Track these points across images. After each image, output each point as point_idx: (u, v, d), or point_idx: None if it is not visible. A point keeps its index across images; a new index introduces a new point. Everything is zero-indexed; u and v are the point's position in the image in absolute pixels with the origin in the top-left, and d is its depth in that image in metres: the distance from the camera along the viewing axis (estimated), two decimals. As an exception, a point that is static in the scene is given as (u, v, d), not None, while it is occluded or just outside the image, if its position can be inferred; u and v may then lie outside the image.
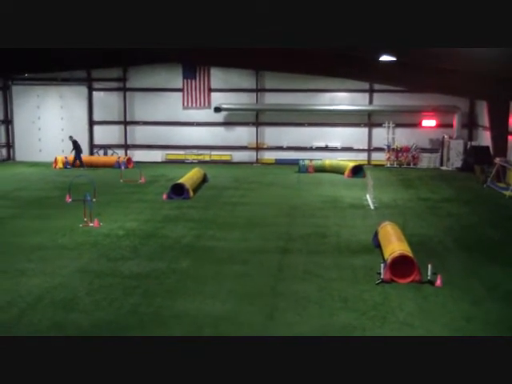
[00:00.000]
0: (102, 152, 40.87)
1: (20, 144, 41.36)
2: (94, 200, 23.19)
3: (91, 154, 40.85)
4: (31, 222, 21.97)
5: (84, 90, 40.55)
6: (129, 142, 40.70)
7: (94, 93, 40.73)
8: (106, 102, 40.71)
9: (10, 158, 41.43)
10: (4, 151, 41.43)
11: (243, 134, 40.08)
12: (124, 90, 40.27)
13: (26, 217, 22.89)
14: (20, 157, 41.25)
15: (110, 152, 40.64)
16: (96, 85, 40.60)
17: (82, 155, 37.18)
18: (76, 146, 36.68)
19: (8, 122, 41.27)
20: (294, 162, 36.55)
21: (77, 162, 36.59)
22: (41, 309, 13.23)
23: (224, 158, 40.07)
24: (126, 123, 40.51)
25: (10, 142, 41.56)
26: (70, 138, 37.26)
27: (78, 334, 11.78)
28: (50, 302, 13.61)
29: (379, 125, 38.99)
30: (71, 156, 37.04)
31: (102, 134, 40.86)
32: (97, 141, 41.05)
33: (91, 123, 40.91)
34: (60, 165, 36.91)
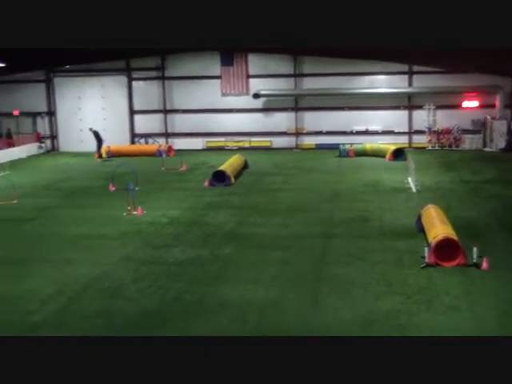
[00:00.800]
0: (143, 141, 41.22)
1: (63, 135, 42.00)
2: (136, 189, 23.39)
3: (132, 143, 41.25)
4: (76, 211, 22.32)
5: (124, 79, 40.91)
6: (169, 131, 40.95)
7: (134, 82, 41.06)
8: (146, 91, 41.00)
9: (54, 149, 42.08)
10: (48, 142, 42.08)
11: (282, 120, 40.00)
12: (163, 78, 40.49)
13: (70, 206, 23.26)
14: (63, 147, 41.91)
15: (150, 141, 40.96)
16: (135, 74, 40.90)
17: (126, 145, 37.52)
18: (97, 137, 36.94)
19: (51, 113, 41.89)
20: (335, 147, 36.36)
21: (100, 153, 36.82)
22: (88, 297, 13.46)
23: (264, 144, 40.05)
24: (165, 112, 40.76)
25: (54, 133, 42.20)
26: (90, 129, 37.46)
27: (125, 321, 11.98)
28: (97, 290, 13.83)
29: (419, 107, 38.54)
30: (101, 148, 37.26)
31: (143, 123, 41.21)
32: (138, 130, 41.40)
33: (132, 112, 41.26)
34: (103, 154, 37.30)
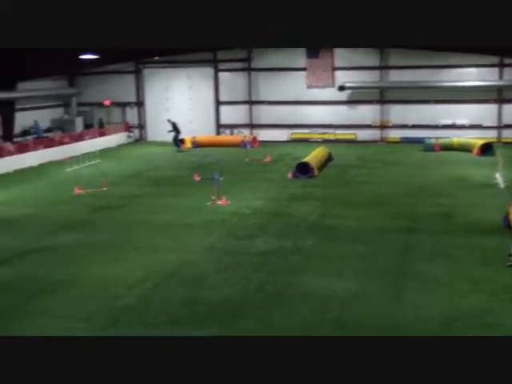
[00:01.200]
0: (228, 131, 41.68)
1: (151, 125, 42.94)
2: (221, 179, 23.71)
3: (218, 133, 41.78)
4: (162, 199, 22.88)
5: (210, 70, 41.43)
6: (254, 122, 41.26)
7: (220, 73, 41.51)
8: (232, 83, 41.40)
9: (141, 139, 43.11)
10: (137, 132, 43.15)
11: (367, 113, 39.63)
12: (249, 70, 40.79)
13: (157, 195, 23.86)
14: (151, 137, 42.82)
15: (235, 131, 41.37)
16: (221, 66, 41.35)
17: (205, 135, 37.91)
18: (175, 128, 37.43)
19: (140, 103, 42.92)
20: (420, 141, 35.80)
21: (178, 144, 37.24)
22: (173, 284, 13.83)
23: (348, 136, 39.79)
24: (251, 103, 41.07)
25: (142, 123, 43.23)
26: (169, 120, 38.00)
27: (208, 309, 12.26)
28: (181, 278, 14.19)
29: (510, 100, 37.42)
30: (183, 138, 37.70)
31: (229, 114, 41.64)
32: (223, 120, 41.89)
33: (218, 103, 41.78)
34: (188, 145, 37.95)
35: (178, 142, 37.27)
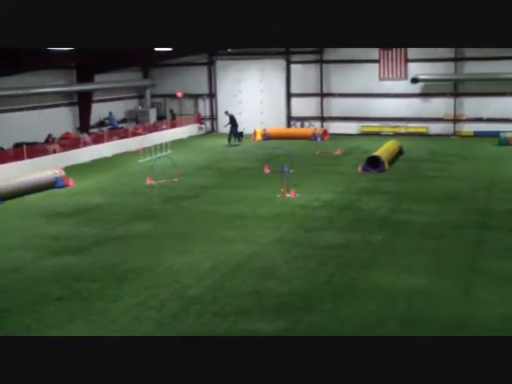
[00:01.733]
0: (298, 124, 41.64)
1: (222, 116, 43.16)
2: (291, 171, 23.75)
3: (288, 126, 41.79)
4: (232, 191, 23.12)
5: (282, 62, 41.44)
6: (325, 114, 41.09)
7: (292, 66, 41.48)
8: (303, 75, 41.30)
9: (213, 130, 43.50)
10: (208, 123, 43.55)
11: (440, 106, 38.91)
12: (320, 62, 40.62)
13: (227, 186, 24.12)
14: (222, 129, 43.07)
15: (306, 124, 41.30)
16: (294, 58, 41.31)
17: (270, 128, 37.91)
18: (232, 121, 37.29)
19: (212, 95, 43.30)
20: (495, 135, 34.94)
21: (238, 137, 37.10)
22: (241, 275, 13.99)
23: (420, 130, 39.18)
24: (322, 95, 40.91)
25: (214, 114, 43.60)
26: (226, 112, 38.04)
27: (275, 301, 12.37)
28: (250, 269, 14.34)
29: None
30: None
31: (299, 106, 41.59)
32: (294, 113, 41.87)
33: (289, 95, 41.78)
34: (259, 137, 38.12)
35: (233, 135, 37.13)
